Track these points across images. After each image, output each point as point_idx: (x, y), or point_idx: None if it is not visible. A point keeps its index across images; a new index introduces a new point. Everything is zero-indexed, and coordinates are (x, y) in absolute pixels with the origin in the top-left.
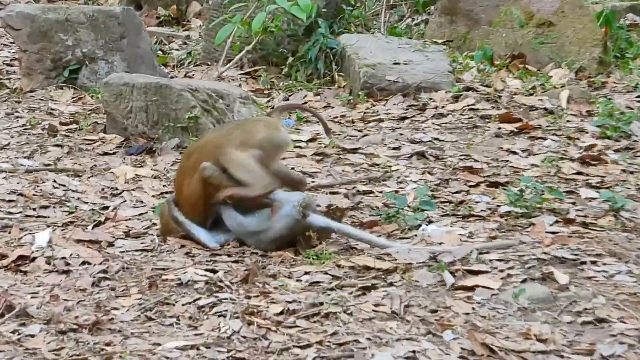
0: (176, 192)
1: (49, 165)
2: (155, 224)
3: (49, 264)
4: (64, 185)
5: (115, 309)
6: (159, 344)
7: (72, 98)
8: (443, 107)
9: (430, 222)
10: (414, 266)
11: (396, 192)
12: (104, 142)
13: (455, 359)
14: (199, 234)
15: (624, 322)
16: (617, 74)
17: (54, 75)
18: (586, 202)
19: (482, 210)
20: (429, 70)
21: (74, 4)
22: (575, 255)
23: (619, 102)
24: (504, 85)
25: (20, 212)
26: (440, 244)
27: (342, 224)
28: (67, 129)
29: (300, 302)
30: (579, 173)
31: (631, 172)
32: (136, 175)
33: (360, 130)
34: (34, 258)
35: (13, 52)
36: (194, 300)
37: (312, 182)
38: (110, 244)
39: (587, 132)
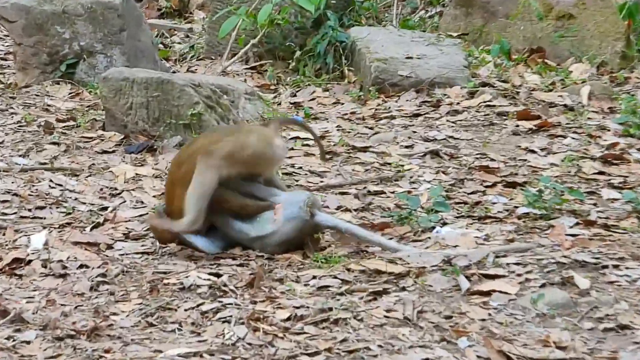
0: (167, 202)
1: (45, 164)
2: None
3: (45, 267)
4: (60, 185)
5: (115, 314)
6: (161, 351)
7: (70, 94)
8: (458, 103)
9: (445, 224)
10: (427, 270)
11: (409, 192)
12: (102, 140)
13: None
14: (196, 243)
15: None
16: None
17: (50, 70)
18: (608, 203)
19: (499, 212)
20: (443, 65)
21: None
22: (597, 258)
23: None
24: (522, 81)
25: (15, 213)
26: (455, 247)
27: (350, 224)
28: (64, 126)
29: (308, 307)
30: (601, 173)
31: None
32: (136, 174)
33: (371, 128)
34: (30, 261)
35: (7, 46)
36: (197, 306)
37: (321, 182)
38: (109, 247)
39: (609, 130)
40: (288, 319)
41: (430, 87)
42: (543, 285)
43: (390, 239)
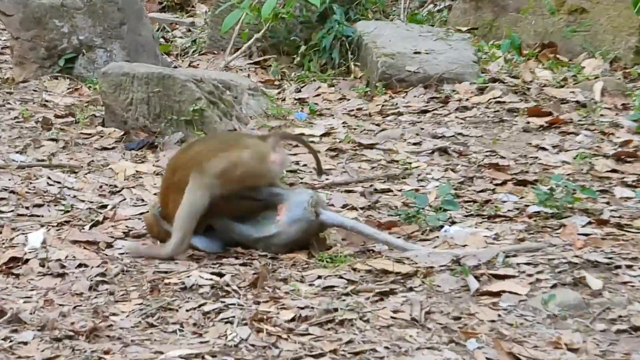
0: (162, 206)
1: (43, 160)
2: None
3: (43, 266)
4: (59, 182)
5: (114, 314)
6: (161, 353)
7: (68, 89)
8: (467, 99)
9: (453, 223)
10: (435, 270)
11: (416, 190)
12: (102, 136)
13: None
14: (196, 244)
15: None
16: None
17: (48, 65)
18: (621, 202)
19: (509, 211)
20: (452, 60)
21: None
22: (609, 258)
23: None
24: (533, 77)
25: (12, 210)
26: (464, 246)
27: (356, 221)
28: (62, 122)
29: (313, 308)
30: (614, 171)
31: None
32: (137, 171)
33: (378, 125)
34: (27, 260)
35: (4, 40)
36: (199, 306)
37: (327, 179)
38: (109, 245)
39: (622, 127)
40: (292, 319)
41: (438, 82)
42: (554, 286)
43: (398, 237)
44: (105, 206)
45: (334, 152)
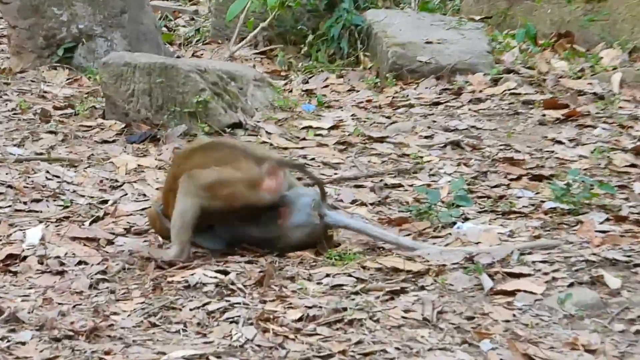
0: (164, 204)
1: (41, 154)
2: None
3: (42, 263)
4: (58, 177)
5: (115, 313)
6: (164, 353)
7: (67, 80)
8: (481, 91)
9: (466, 219)
10: (448, 268)
11: (428, 185)
12: (102, 129)
13: None
14: (200, 242)
15: None
16: None
17: (46, 55)
18: None
19: (524, 207)
20: (465, 50)
21: None
22: (628, 256)
23: None
24: (549, 68)
25: (9, 206)
26: (477, 243)
27: (363, 221)
28: (61, 114)
29: (321, 307)
30: (633, 165)
31: None
32: (138, 165)
33: (388, 117)
34: (25, 257)
35: (1, 29)
36: (203, 305)
37: (335, 174)
38: (110, 242)
39: None
40: (300, 319)
41: (451, 73)
42: (571, 285)
43: (408, 234)
44: (105, 201)
45: (343, 145)
